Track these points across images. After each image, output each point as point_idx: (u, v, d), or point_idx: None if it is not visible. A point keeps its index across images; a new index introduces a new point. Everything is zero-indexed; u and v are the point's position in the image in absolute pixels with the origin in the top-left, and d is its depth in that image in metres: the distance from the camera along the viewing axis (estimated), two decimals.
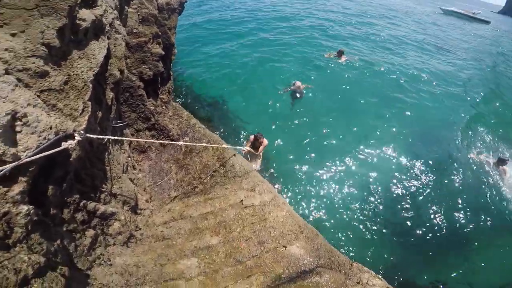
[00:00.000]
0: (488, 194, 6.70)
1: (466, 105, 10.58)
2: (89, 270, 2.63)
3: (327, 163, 6.77)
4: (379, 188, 6.39)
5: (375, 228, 5.58)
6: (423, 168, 7.07)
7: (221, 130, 7.25)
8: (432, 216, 5.97)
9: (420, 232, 5.66)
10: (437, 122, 9.07)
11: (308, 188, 6.12)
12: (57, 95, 2.09)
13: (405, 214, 5.96)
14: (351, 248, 5.17)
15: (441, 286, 4.91)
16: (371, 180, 6.55)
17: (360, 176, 6.60)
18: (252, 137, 6.06)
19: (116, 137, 3.09)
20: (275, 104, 8.59)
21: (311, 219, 5.49)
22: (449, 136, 8.41)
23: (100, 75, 2.77)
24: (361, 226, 5.56)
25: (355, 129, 7.94)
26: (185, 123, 5.22)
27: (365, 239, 5.39)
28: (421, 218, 5.92)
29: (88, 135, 2.24)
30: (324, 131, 7.70)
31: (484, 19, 37.83)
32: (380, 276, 3.07)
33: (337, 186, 6.25)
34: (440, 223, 5.86)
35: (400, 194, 6.38)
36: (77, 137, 2.04)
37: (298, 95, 8.83)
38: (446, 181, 6.86)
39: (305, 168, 6.58)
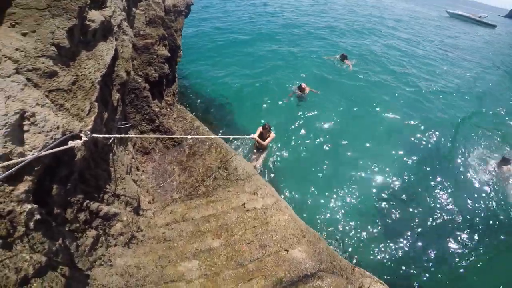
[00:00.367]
0: (492, 195, 6.69)
1: (470, 107, 10.58)
2: (89, 271, 2.63)
3: (330, 168, 6.75)
4: (381, 192, 6.35)
5: (377, 233, 5.54)
6: (427, 173, 7.02)
7: (225, 132, 7.26)
8: (434, 221, 5.92)
9: (423, 237, 5.61)
10: (439, 124, 9.07)
11: (310, 192, 6.10)
12: (65, 95, 2.10)
13: (408, 219, 5.91)
14: (353, 253, 5.14)
15: None
16: (373, 184, 6.52)
17: (362, 181, 6.56)
18: (260, 128, 6.24)
19: (122, 135, 3.10)
20: (280, 107, 8.60)
21: (313, 223, 5.46)
22: (451, 138, 8.40)
23: (107, 76, 2.79)
24: (363, 231, 5.52)
25: (358, 133, 7.92)
26: (189, 125, 5.24)
27: (367, 244, 5.34)
28: (423, 223, 5.87)
29: (94, 135, 2.25)
30: (328, 135, 7.69)
31: (490, 23, 37.70)
32: (382, 281, 3.04)
33: (339, 191, 6.22)
34: (443, 228, 5.81)
35: (402, 199, 6.33)
36: (84, 137, 2.05)
37: (303, 95, 8.86)
38: (447, 183, 6.82)
39: (308, 172, 6.56)
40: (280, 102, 8.81)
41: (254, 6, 20.09)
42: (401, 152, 7.54)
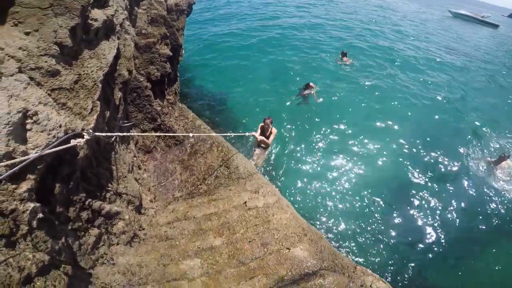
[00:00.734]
0: (491, 194, 6.70)
1: (470, 108, 10.54)
2: (91, 269, 2.64)
3: (333, 167, 6.76)
4: (384, 191, 6.34)
5: (379, 231, 5.54)
6: (428, 172, 7.02)
7: (226, 131, 7.25)
8: (435, 219, 5.91)
9: (424, 235, 5.61)
10: (440, 125, 9.05)
11: (312, 191, 6.10)
12: (68, 94, 2.11)
13: (409, 218, 5.91)
14: (355, 251, 5.14)
15: None
16: (376, 184, 6.52)
17: (364, 179, 6.56)
18: (261, 124, 6.21)
19: (124, 134, 3.11)
20: (283, 107, 8.58)
21: (315, 222, 5.46)
22: (453, 139, 8.38)
23: (109, 75, 2.80)
24: (364, 230, 5.52)
25: (363, 132, 7.91)
26: (190, 124, 5.24)
27: (369, 243, 5.34)
28: (424, 221, 5.87)
29: (96, 133, 2.25)
30: (331, 136, 7.68)
31: (493, 22, 37.54)
32: (383, 280, 3.04)
33: (341, 190, 6.22)
34: (443, 226, 5.80)
35: (405, 198, 6.33)
36: (86, 136, 2.06)
37: (311, 93, 8.87)
38: (448, 184, 6.83)
39: (311, 170, 6.56)
40: (285, 101, 8.80)
41: (255, 6, 20.04)
42: (405, 152, 7.53)
